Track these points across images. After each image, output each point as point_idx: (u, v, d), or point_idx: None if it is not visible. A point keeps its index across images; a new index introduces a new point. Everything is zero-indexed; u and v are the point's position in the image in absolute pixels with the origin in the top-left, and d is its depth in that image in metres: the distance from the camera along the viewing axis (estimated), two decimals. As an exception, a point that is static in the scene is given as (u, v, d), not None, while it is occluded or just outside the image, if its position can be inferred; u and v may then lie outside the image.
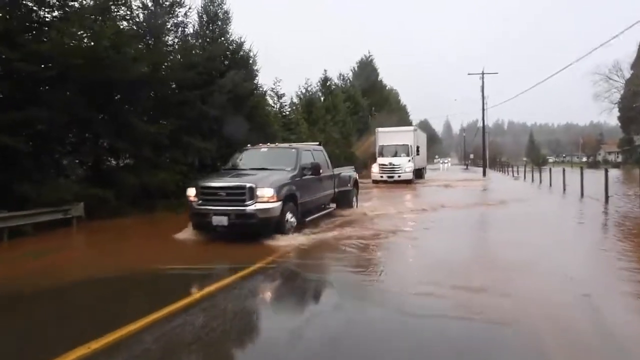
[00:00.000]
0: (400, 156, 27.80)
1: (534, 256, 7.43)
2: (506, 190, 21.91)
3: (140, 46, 14.09)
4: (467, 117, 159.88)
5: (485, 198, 18.99)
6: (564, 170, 21.15)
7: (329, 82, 38.04)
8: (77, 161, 13.67)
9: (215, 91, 16.25)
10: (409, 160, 27.61)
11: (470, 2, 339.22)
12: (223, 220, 8.60)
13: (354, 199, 13.78)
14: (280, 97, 28.04)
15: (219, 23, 19.67)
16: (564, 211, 14.33)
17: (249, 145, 12.02)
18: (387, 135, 29.82)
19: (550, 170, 24.01)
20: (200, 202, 9.01)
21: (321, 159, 11.48)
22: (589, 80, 47.76)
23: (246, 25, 28.76)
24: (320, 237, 9.17)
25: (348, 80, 47.90)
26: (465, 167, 71.16)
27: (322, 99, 36.15)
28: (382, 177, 27.21)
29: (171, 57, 16.20)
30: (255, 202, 8.61)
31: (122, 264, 7.51)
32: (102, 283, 6.45)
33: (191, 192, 9.22)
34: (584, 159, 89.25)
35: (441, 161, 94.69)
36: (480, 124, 47.00)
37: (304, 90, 34.31)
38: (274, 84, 27.65)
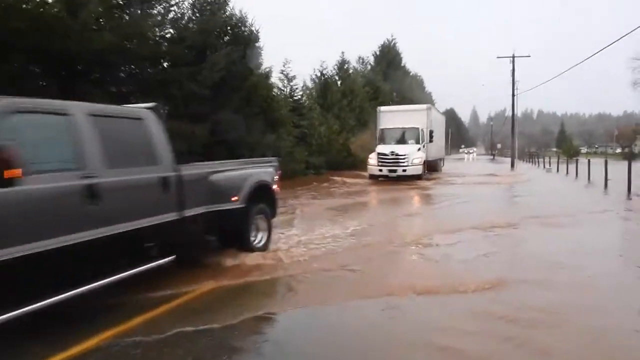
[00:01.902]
0: (407, 143, 21.26)
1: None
2: (546, 192, 16.86)
3: (116, 15, 12.20)
4: (495, 106, 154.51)
5: (523, 209, 12.42)
6: (606, 162, 18.54)
7: (346, 65, 35.68)
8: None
9: (206, 69, 14.29)
10: (419, 149, 21.00)
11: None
12: None
13: (254, 231, 6.48)
14: (290, 79, 25.97)
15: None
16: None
17: None
18: (391, 116, 22.71)
19: (589, 162, 21.29)
20: None
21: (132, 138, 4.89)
22: (626, 68, 44.23)
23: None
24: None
25: (368, 64, 45.37)
26: (492, 157, 67.98)
27: (338, 83, 33.86)
28: (380, 171, 20.53)
29: (155, 29, 14.31)
30: None
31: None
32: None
33: None
34: (618, 150, 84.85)
35: (466, 151, 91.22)
36: (508, 113, 44.02)
37: (318, 74, 32.12)
38: (284, 65, 25.61)
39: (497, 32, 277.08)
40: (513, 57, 38.12)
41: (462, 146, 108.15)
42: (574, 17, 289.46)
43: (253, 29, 18.21)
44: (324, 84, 31.46)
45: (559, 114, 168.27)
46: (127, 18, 12.51)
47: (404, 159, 20.13)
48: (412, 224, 10.37)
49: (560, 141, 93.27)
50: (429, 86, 68.85)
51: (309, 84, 31.63)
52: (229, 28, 17.37)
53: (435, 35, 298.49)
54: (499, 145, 78.23)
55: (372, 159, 20.96)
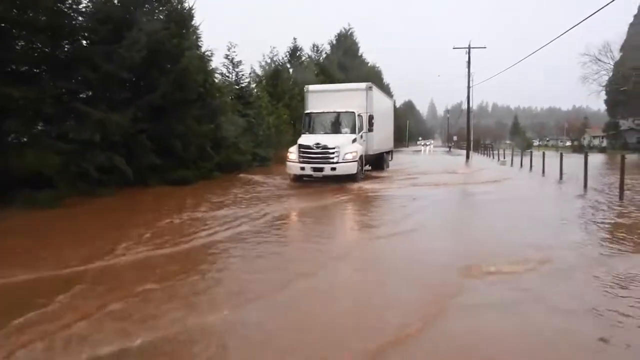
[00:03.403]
0: (340, 132, 16.30)
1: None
2: (506, 192, 14.51)
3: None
4: (452, 99, 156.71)
5: (477, 211, 11.13)
6: (561, 156, 18.01)
7: (299, 53, 34.11)
8: None
9: (124, 47, 12.40)
10: (354, 140, 15.89)
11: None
12: None
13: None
14: (236, 65, 24.17)
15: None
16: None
17: None
18: (321, 97, 17.83)
19: (543, 155, 20.78)
20: None
21: None
22: (576, 63, 44.97)
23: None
24: None
25: (324, 53, 43.91)
26: (448, 149, 68.41)
27: (290, 70, 32.24)
28: (302, 169, 15.37)
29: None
30: None
31: None
32: None
33: None
34: (568, 143, 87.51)
35: (423, 143, 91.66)
36: (464, 106, 43.70)
37: (269, 60, 30.42)
38: (229, 50, 23.80)
39: (456, 23, 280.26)
40: (469, 47, 37.69)
41: (420, 138, 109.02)
42: (532, 11, 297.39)
43: (187, 5, 16.31)
44: (274, 71, 29.79)
45: (513, 107, 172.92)
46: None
47: (333, 153, 14.97)
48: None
49: (513, 134, 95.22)
50: (387, 78, 68.16)
51: (259, 71, 29.90)
52: (156, 3, 15.40)
53: (394, 26, 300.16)
54: (455, 138, 79.13)
55: (292, 154, 15.73)
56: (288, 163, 15.89)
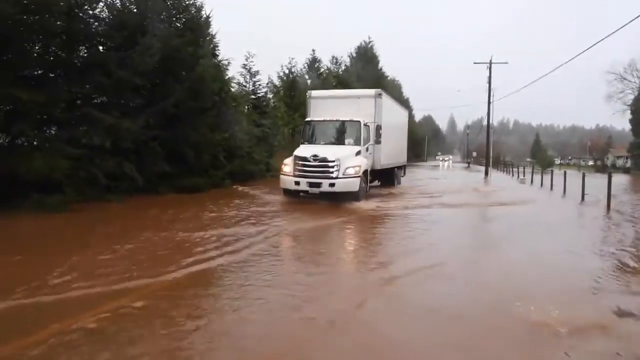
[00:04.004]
0: (343, 143, 14.44)
1: None
2: (529, 216, 12.93)
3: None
4: (473, 114, 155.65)
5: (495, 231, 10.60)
6: (583, 176, 17.38)
7: (317, 64, 34.08)
8: None
9: (137, 53, 12.36)
10: (358, 153, 14.14)
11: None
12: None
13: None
14: (253, 74, 24.17)
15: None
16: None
17: None
18: (324, 104, 15.95)
19: (565, 174, 20.12)
20: None
21: None
22: (601, 80, 43.98)
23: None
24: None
25: (344, 65, 43.81)
26: (467, 165, 67.56)
27: (308, 82, 32.17)
28: (297, 184, 13.39)
29: (86, 7, 12.33)
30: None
31: None
32: None
33: None
34: (591, 163, 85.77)
35: (442, 158, 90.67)
36: (485, 122, 43.00)
37: (287, 71, 30.40)
38: (247, 59, 23.83)
39: (477, 38, 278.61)
40: (490, 63, 37.16)
41: (439, 153, 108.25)
42: (556, 28, 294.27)
43: (204, 12, 16.34)
44: (291, 82, 29.74)
45: (534, 124, 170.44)
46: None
47: (332, 167, 13.06)
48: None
49: (535, 151, 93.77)
50: (406, 92, 67.89)
51: (276, 81, 29.91)
52: (174, 12, 15.44)
53: (415, 41, 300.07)
54: (474, 154, 78.12)
55: (287, 166, 13.75)
56: (281, 176, 13.87)
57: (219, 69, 17.42)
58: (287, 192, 13.87)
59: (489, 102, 37.79)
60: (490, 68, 37.23)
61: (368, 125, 15.01)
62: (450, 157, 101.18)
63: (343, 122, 14.73)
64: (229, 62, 18.91)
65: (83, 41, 12.04)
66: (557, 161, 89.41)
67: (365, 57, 48.15)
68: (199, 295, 5.14)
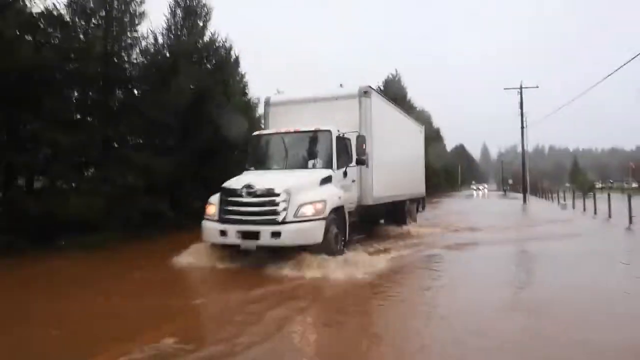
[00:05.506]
0: (306, 166, 9.46)
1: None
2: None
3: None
4: (506, 142, 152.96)
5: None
6: (629, 198, 16.53)
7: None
8: None
9: (169, 93, 12.73)
10: (325, 180, 8.82)
11: (511, 15, 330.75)
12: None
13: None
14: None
15: (196, 19, 16.37)
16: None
17: None
18: (288, 113, 10.81)
19: (609, 197, 19.20)
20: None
21: None
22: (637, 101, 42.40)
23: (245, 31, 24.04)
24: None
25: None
26: (503, 192, 66.04)
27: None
28: (223, 233, 8.23)
29: (122, 53, 12.88)
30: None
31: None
32: None
33: None
34: (634, 185, 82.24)
35: (475, 187, 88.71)
36: (519, 149, 42.12)
37: (315, 106, 30.69)
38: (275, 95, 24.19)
39: (508, 62, 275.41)
40: (520, 88, 36.82)
41: (473, 182, 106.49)
42: (590, 50, 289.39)
43: (233, 53, 16.84)
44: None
45: (571, 149, 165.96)
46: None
47: (277, 204, 8.04)
48: None
49: (573, 175, 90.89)
50: (436, 122, 67.42)
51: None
52: (205, 54, 15.98)
53: (443, 70, 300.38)
54: (510, 181, 76.45)
55: (212, 206, 8.73)
56: (203, 223, 8.69)
57: (249, 107, 17.75)
58: (212, 244, 8.73)
59: (522, 127, 37.15)
60: (521, 93, 36.85)
61: (346, 139, 9.74)
62: (485, 185, 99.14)
63: (305, 133, 9.63)
64: (258, 100, 19.26)
65: (118, 85, 12.52)
66: (598, 185, 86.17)
67: (392, 89, 48.45)
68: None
